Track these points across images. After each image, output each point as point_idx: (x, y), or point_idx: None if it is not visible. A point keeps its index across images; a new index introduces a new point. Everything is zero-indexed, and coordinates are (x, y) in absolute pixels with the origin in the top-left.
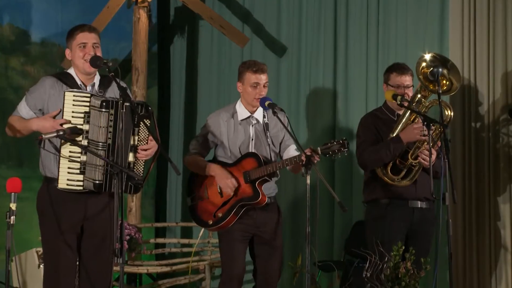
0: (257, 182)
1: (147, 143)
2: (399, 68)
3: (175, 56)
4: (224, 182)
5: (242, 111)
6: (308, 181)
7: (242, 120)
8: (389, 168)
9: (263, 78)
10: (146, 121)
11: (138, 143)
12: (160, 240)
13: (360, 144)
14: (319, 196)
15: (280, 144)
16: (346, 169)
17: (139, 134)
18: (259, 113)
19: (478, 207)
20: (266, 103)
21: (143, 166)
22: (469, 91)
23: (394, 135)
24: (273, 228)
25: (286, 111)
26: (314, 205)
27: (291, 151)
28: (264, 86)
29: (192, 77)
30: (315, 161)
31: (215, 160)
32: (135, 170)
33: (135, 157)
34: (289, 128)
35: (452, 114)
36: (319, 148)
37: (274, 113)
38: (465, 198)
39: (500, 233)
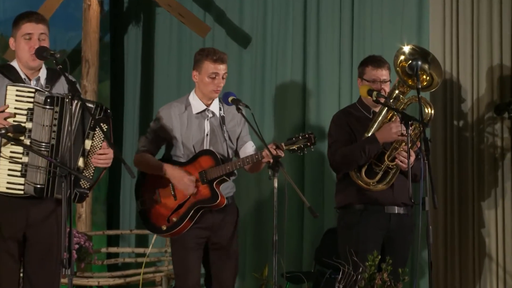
0: (215, 183)
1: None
2: (375, 61)
3: (130, 47)
4: (183, 183)
5: (196, 104)
6: (276, 184)
7: (197, 113)
8: (363, 171)
9: (222, 68)
10: (103, 126)
11: (91, 149)
12: (113, 250)
13: (331, 144)
14: (288, 201)
15: (237, 140)
16: (317, 172)
17: (94, 139)
18: (215, 106)
19: (460, 213)
20: (230, 99)
21: (92, 174)
22: (452, 87)
23: (369, 134)
24: (230, 232)
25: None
26: (282, 210)
27: (248, 148)
28: (223, 77)
29: (148, 70)
30: (280, 157)
31: (166, 160)
32: (82, 181)
33: (85, 162)
34: (255, 127)
35: (432, 111)
36: (283, 144)
37: (239, 109)
38: (446, 203)
39: (484, 241)
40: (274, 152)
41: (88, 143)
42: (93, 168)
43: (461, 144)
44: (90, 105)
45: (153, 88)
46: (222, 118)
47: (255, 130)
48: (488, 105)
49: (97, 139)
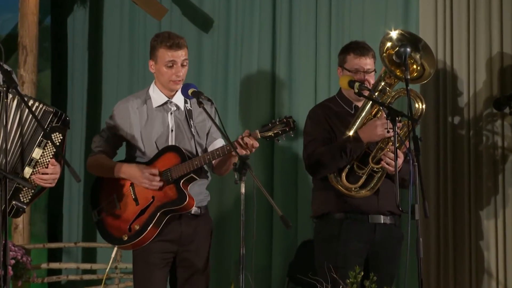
0: (181, 182)
1: (47, 167)
2: (357, 48)
3: (75, 32)
4: (144, 178)
5: (157, 96)
6: (243, 190)
7: (157, 107)
8: (344, 175)
9: (180, 55)
10: (57, 136)
11: (40, 160)
12: (55, 265)
13: (307, 144)
14: (256, 209)
15: (207, 136)
16: (290, 175)
17: (46, 149)
18: (178, 98)
19: (455, 223)
20: (190, 91)
21: (34, 190)
22: (445, 79)
23: (351, 132)
24: (201, 247)
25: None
26: (250, 220)
27: (218, 145)
28: (182, 65)
29: (96, 58)
30: (247, 158)
31: (128, 162)
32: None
33: (31, 174)
34: (218, 121)
35: (423, 106)
36: (257, 132)
37: (200, 103)
38: (439, 212)
39: (482, 255)
40: (245, 136)
41: (37, 152)
42: (35, 185)
43: (456, 144)
44: (50, 109)
45: (101, 79)
46: (189, 112)
47: (218, 128)
48: (487, 99)
49: (48, 151)
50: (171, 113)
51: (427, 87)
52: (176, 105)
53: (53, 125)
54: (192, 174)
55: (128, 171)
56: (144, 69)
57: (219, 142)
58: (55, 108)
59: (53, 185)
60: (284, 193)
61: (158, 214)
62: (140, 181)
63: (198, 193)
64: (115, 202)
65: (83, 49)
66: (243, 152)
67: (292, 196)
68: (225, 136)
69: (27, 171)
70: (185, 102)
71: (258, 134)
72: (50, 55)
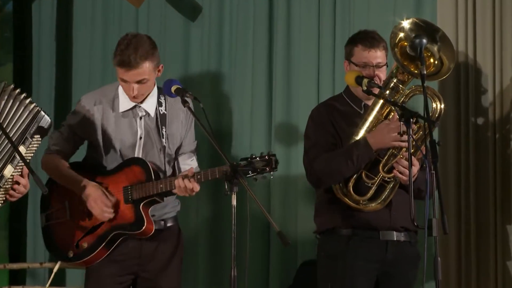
0: (141, 204)
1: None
2: (366, 38)
3: (41, 20)
4: (96, 207)
5: (125, 98)
6: (234, 202)
7: (124, 111)
8: (351, 185)
9: (132, 75)
10: (34, 141)
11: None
12: None
13: (309, 150)
14: (250, 224)
15: (179, 147)
16: (289, 185)
17: (29, 149)
18: (150, 103)
19: (479, 240)
20: (173, 88)
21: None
22: (467, 74)
23: (360, 136)
24: (168, 266)
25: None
26: (243, 236)
27: (185, 161)
28: (141, 82)
29: (65, 50)
30: (192, 192)
31: (89, 162)
32: None
33: (12, 174)
34: (207, 126)
35: (442, 106)
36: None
37: (185, 103)
38: (460, 227)
39: (510, 277)
40: (185, 184)
41: (22, 150)
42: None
43: (480, 149)
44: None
45: (71, 74)
46: (162, 118)
47: (206, 131)
48: None
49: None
50: (140, 118)
51: (446, 84)
52: (145, 111)
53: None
54: (155, 197)
55: (90, 192)
56: None
57: (187, 158)
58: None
59: (16, 199)
60: (283, 206)
61: (110, 235)
62: (91, 206)
63: (163, 205)
64: (66, 210)
65: (51, 39)
66: (182, 194)
67: (292, 209)
68: (213, 142)
69: (9, 169)
70: (159, 105)
71: (207, 175)
72: (12, 47)
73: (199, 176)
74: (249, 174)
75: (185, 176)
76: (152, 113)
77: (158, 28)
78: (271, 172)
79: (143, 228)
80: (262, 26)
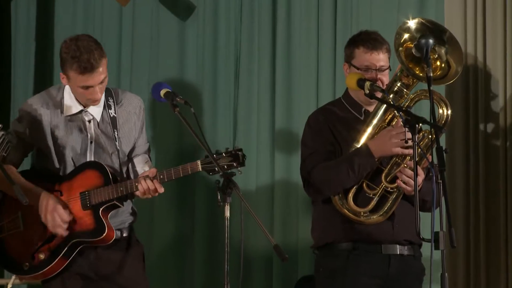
0: (101, 209)
1: None
2: (368, 40)
3: (19, 18)
4: (52, 221)
5: (71, 103)
6: (227, 213)
7: (70, 115)
8: (351, 196)
9: (95, 77)
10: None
11: None
12: None
13: (306, 158)
14: (244, 237)
15: (132, 149)
16: (286, 196)
17: None
18: (95, 107)
19: (488, 254)
20: (162, 92)
21: None
22: (476, 78)
23: (361, 144)
24: (125, 278)
25: (194, 100)
26: (236, 250)
27: (140, 164)
28: (102, 82)
29: (44, 50)
30: (233, 174)
31: (37, 170)
32: None
33: None
34: (199, 133)
35: (449, 112)
36: (198, 162)
37: (174, 107)
38: (468, 240)
39: None
40: (149, 185)
41: None
42: None
43: (490, 157)
44: None
45: (52, 75)
46: (113, 120)
47: (198, 138)
48: None
49: None
50: (89, 122)
51: (453, 88)
52: (92, 116)
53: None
54: (115, 202)
55: (42, 201)
56: None
57: (141, 160)
58: None
59: None
60: (280, 218)
61: (69, 244)
62: (48, 221)
63: (119, 212)
64: (19, 221)
65: (29, 39)
66: (145, 195)
67: (289, 221)
68: (206, 149)
69: None
70: (108, 108)
71: (199, 166)
72: None
73: (161, 176)
74: (215, 170)
75: (147, 177)
76: (98, 117)
77: (148, 28)
78: (239, 168)
79: (104, 234)
80: (262, 27)
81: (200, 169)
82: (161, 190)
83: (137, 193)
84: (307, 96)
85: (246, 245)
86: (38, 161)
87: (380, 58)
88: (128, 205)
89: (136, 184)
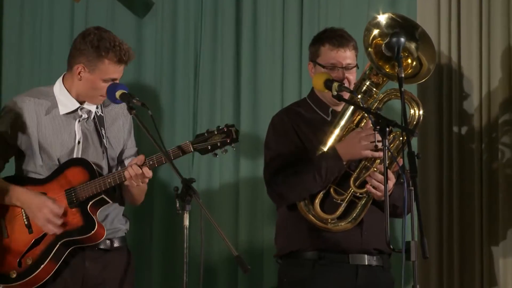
0: (89, 205)
1: None
2: (334, 37)
3: None
4: (42, 216)
5: (65, 100)
6: (187, 222)
7: (66, 114)
8: (318, 202)
9: (122, 70)
10: None
11: None
12: None
13: (270, 161)
14: (207, 246)
15: (122, 151)
16: (252, 202)
17: None
18: (91, 105)
19: (463, 265)
20: (118, 94)
21: None
22: (450, 77)
23: (328, 147)
24: None
25: (151, 102)
26: (195, 261)
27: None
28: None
29: None
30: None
31: (19, 177)
32: None
33: None
34: (157, 138)
35: (421, 113)
36: (189, 143)
37: (131, 109)
38: (442, 250)
39: None
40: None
41: None
42: None
43: (464, 162)
44: None
45: (1, 72)
46: (100, 119)
47: (155, 142)
48: (504, 103)
49: None
50: (78, 121)
51: (426, 87)
52: (88, 112)
53: None
54: (103, 195)
55: (24, 198)
56: (48, 65)
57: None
58: None
59: None
60: (245, 225)
61: (58, 245)
62: (36, 217)
63: (110, 221)
64: (2, 228)
65: None
66: (134, 185)
67: (251, 228)
68: (163, 153)
69: None
70: (97, 106)
71: (191, 146)
72: None
73: (151, 162)
74: (208, 149)
75: (134, 164)
76: (93, 114)
77: (103, 25)
78: (233, 144)
79: (94, 230)
80: (225, 24)
81: (192, 150)
82: (149, 174)
83: (126, 182)
84: (273, 96)
85: (209, 254)
86: (19, 165)
87: (347, 56)
88: (119, 211)
89: (123, 173)
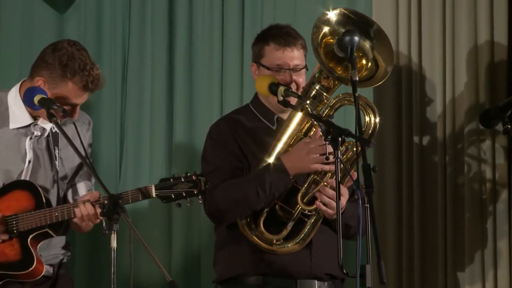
0: (30, 237)
1: None
2: (280, 35)
3: None
4: None
5: (20, 113)
6: (114, 244)
7: (17, 128)
8: (262, 221)
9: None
10: None
11: None
12: None
13: (208, 176)
14: (136, 270)
15: (75, 173)
16: (184, 218)
17: None
18: (46, 122)
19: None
20: (36, 99)
21: None
22: (409, 80)
23: (273, 159)
24: None
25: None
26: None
27: (81, 191)
28: None
29: None
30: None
31: None
32: None
33: None
34: (82, 149)
35: (378, 120)
36: (152, 188)
37: (51, 116)
38: (401, 275)
39: None
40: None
41: None
42: None
43: (426, 175)
44: None
45: None
46: (54, 137)
47: (78, 152)
48: (470, 110)
49: None
50: (30, 138)
51: (383, 92)
52: (43, 129)
53: None
54: (47, 229)
55: None
56: None
57: (84, 187)
58: None
59: None
60: (180, 247)
61: None
62: None
63: (53, 245)
64: None
65: None
66: (83, 224)
67: (188, 251)
68: (88, 166)
69: None
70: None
71: (153, 192)
72: None
73: (106, 202)
74: (171, 198)
75: (87, 201)
76: (47, 132)
77: (19, 21)
78: (200, 197)
79: (32, 267)
80: (159, 18)
81: (154, 196)
82: (97, 219)
83: (75, 219)
84: (210, 103)
85: (138, 279)
86: None
87: (295, 56)
88: (64, 239)
89: (74, 209)
